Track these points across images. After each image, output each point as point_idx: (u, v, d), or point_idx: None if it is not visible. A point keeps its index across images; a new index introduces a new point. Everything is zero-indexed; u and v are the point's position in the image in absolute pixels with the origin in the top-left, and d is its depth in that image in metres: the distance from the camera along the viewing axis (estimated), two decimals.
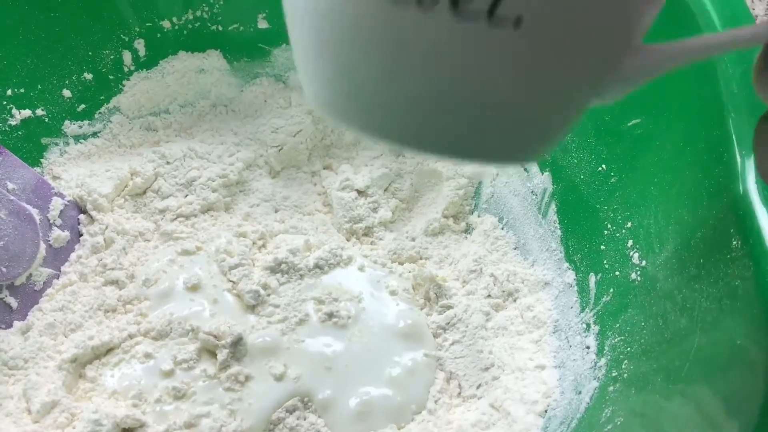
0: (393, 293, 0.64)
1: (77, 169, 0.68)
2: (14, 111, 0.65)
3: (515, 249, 0.67)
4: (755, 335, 0.41)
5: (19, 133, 0.65)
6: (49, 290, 0.61)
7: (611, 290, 0.57)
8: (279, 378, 0.57)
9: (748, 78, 0.49)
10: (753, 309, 0.42)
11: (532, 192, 0.66)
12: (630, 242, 0.56)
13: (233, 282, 0.62)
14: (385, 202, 0.71)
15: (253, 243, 0.66)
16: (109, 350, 0.59)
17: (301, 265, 0.63)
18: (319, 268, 0.64)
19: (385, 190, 0.72)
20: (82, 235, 0.65)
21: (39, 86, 0.66)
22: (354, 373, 0.59)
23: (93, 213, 0.65)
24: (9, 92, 0.64)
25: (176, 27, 0.71)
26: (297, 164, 0.73)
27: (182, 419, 0.54)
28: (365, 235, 0.70)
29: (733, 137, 0.48)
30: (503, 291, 0.64)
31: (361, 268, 0.65)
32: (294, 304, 0.61)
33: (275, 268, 0.63)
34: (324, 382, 0.58)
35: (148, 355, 0.58)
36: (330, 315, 0.61)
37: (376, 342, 0.60)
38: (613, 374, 0.52)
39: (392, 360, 0.60)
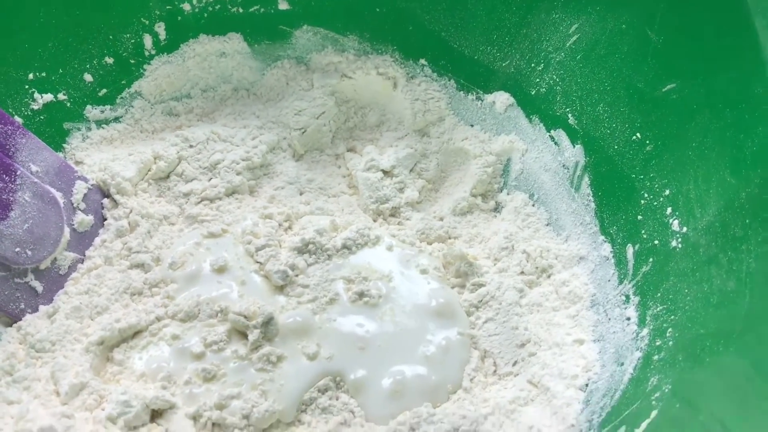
0: (423, 272, 0.62)
1: (100, 153, 0.67)
2: (36, 95, 0.64)
3: (547, 225, 0.65)
4: None
5: (41, 117, 0.64)
6: (74, 274, 0.60)
7: (651, 260, 0.55)
8: (312, 358, 0.56)
9: None
10: None
11: (563, 166, 0.65)
12: (669, 210, 0.54)
13: (260, 263, 0.61)
14: (412, 182, 0.70)
15: (279, 225, 0.64)
16: (137, 333, 0.58)
17: (329, 246, 0.62)
18: (347, 248, 0.62)
19: (411, 170, 0.71)
20: (105, 219, 0.64)
21: (60, 70, 0.65)
22: (387, 353, 0.57)
23: (117, 197, 0.64)
24: (31, 76, 0.63)
25: (196, 10, 0.70)
26: (320, 146, 0.72)
27: (212, 400, 0.53)
28: (392, 215, 0.68)
29: None
30: (536, 267, 0.63)
31: (390, 248, 0.64)
32: (323, 284, 0.60)
33: (302, 249, 0.62)
34: (357, 362, 0.56)
35: (176, 337, 0.57)
36: (360, 294, 0.59)
37: (408, 321, 0.59)
38: (657, 343, 0.50)
39: (425, 339, 0.58)
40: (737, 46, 0.50)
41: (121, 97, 0.70)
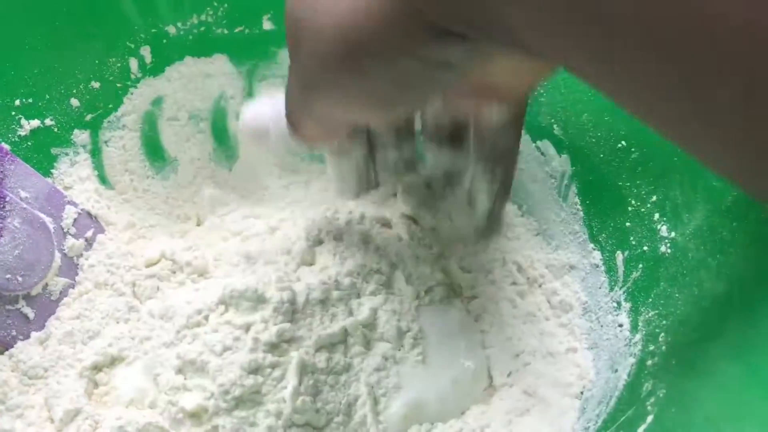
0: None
1: (89, 179, 0.67)
2: (23, 121, 0.64)
3: (537, 235, 0.66)
4: None
5: (29, 143, 0.64)
6: (65, 299, 0.60)
7: (640, 266, 0.56)
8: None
9: None
10: None
11: (550, 176, 0.65)
12: (656, 215, 0.55)
13: None
14: None
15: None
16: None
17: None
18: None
19: None
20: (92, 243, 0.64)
21: (47, 96, 0.65)
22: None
23: (104, 223, 0.65)
24: (17, 102, 0.63)
25: (182, 32, 0.71)
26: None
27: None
28: None
29: None
30: (527, 278, 0.63)
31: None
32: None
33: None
34: None
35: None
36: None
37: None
38: (651, 348, 0.51)
39: None
40: None
41: (108, 121, 0.70)
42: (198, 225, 0.69)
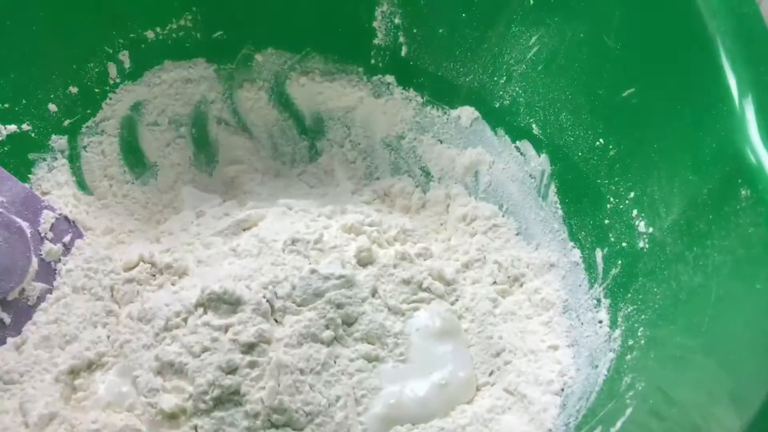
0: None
1: (66, 184, 0.67)
2: (0, 126, 0.63)
3: (517, 234, 0.66)
4: None
5: (5, 148, 0.64)
6: (43, 304, 0.60)
7: (619, 262, 0.55)
8: None
9: (743, 31, 0.49)
10: None
11: (530, 175, 0.65)
12: (635, 212, 0.55)
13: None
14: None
15: None
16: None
17: None
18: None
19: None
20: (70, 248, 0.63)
21: (24, 101, 0.65)
22: None
23: (82, 228, 0.64)
24: None
25: (161, 37, 0.71)
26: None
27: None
28: None
29: (732, 90, 0.47)
30: (508, 277, 0.63)
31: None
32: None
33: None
34: None
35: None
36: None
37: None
38: (629, 343, 0.51)
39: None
40: (691, 48, 0.51)
41: (87, 126, 0.69)
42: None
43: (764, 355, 0.38)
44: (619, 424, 0.45)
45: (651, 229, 0.53)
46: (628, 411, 0.45)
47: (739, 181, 0.45)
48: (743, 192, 0.44)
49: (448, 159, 0.71)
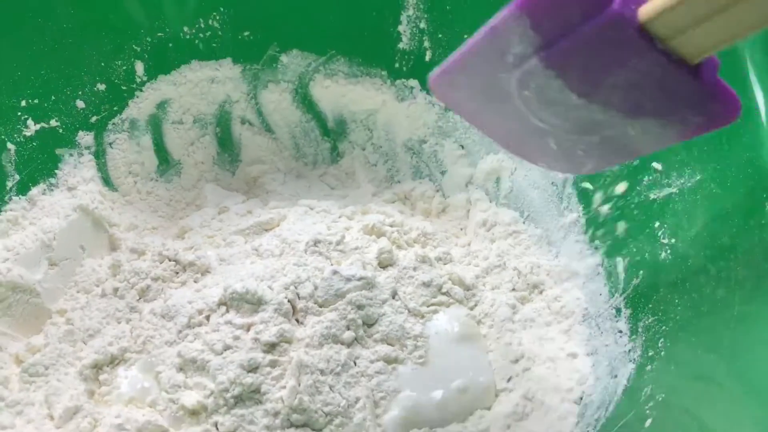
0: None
1: (92, 180, 0.68)
2: (29, 122, 0.64)
3: (538, 241, 0.66)
4: None
5: (34, 144, 0.65)
6: (65, 299, 0.61)
7: (641, 272, 0.56)
8: None
9: None
10: None
11: (552, 183, 0.65)
12: (657, 223, 0.55)
13: None
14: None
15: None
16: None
17: None
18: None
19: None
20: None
21: (53, 97, 0.66)
22: None
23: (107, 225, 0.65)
24: (23, 103, 0.64)
25: (188, 36, 0.71)
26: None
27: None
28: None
29: (758, 103, 0.48)
30: (528, 284, 0.63)
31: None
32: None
33: None
34: None
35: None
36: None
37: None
38: (650, 354, 0.51)
39: None
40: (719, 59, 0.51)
41: (114, 123, 0.70)
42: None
43: None
44: None
45: (673, 240, 0.53)
46: (648, 422, 0.45)
47: (765, 195, 0.45)
48: None
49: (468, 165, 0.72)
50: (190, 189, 0.73)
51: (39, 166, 0.64)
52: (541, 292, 0.63)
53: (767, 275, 0.43)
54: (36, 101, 0.65)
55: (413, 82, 0.74)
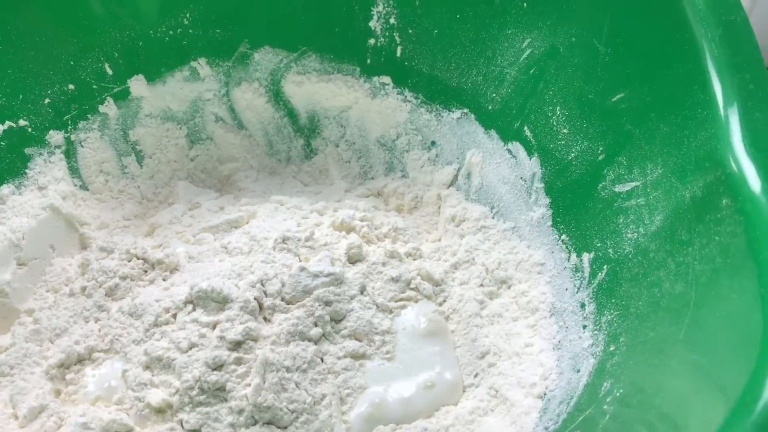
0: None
1: (63, 179, 0.68)
2: None
3: (507, 237, 0.66)
4: (750, 288, 0.40)
5: (2, 143, 0.65)
6: (33, 299, 0.61)
7: (605, 267, 0.56)
8: None
9: (730, 38, 0.49)
10: (747, 262, 0.41)
11: (521, 178, 0.65)
12: (621, 218, 0.55)
13: None
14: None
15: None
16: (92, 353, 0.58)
17: None
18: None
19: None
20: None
21: (21, 96, 0.66)
22: None
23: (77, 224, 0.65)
24: None
25: (158, 34, 0.71)
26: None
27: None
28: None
29: (717, 98, 0.48)
30: (496, 279, 0.63)
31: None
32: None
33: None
34: None
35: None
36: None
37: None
38: (611, 348, 0.51)
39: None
40: (679, 54, 0.51)
41: (83, 122, 0.70)
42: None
43: (740, 351, 0.38)
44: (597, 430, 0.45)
45: (636, 235, 0.53)
46: (606, 417, 0.45)
47: (721, 189, 0.45)
48: (724, 201, 0.45)
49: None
50: (162, 187, 0.73)
51: (8, 166, 0.63)
52: (509, 287, 0.63)
53: (721, 270, 0.43)
54: (4, 101, 0.65)
55: (386, 79, 0.74)
